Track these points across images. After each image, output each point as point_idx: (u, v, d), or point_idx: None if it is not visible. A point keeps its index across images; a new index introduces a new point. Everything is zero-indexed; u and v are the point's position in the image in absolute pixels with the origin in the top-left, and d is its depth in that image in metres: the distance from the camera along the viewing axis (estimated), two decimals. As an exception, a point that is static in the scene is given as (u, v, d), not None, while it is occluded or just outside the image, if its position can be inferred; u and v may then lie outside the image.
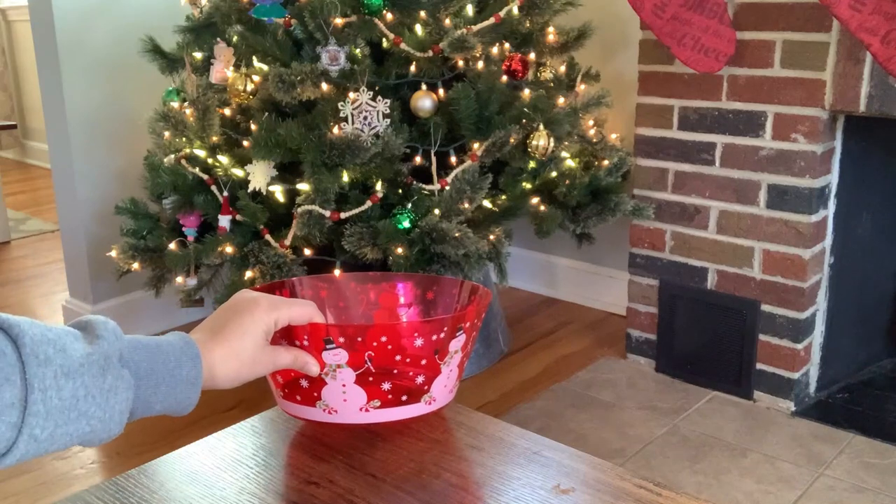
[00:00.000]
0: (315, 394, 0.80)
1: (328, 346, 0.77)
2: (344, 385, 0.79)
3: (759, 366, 2.11)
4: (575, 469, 0.79)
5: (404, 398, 0.81)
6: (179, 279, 2.07)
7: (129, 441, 2.03)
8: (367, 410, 0.80)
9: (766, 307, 2.07)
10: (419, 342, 0.78)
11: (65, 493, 1.81)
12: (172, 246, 2.02)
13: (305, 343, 0.78)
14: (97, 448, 2.00)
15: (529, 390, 2.23)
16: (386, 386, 0.80)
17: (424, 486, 0.76)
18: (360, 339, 0.77)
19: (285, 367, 0.78)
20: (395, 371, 0.79)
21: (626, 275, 2.36)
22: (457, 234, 1.80)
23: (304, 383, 0.80)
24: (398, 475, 0.78)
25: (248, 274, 1.92)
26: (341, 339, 0.77)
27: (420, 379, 0.81)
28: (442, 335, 0.80)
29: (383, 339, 0.77)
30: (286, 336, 0.79)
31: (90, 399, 0.58)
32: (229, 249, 1.94)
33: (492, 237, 1.94)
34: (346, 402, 0.80)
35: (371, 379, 0.79)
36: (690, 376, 2.24)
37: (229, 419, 1.97)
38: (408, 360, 0.79)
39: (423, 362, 0.80)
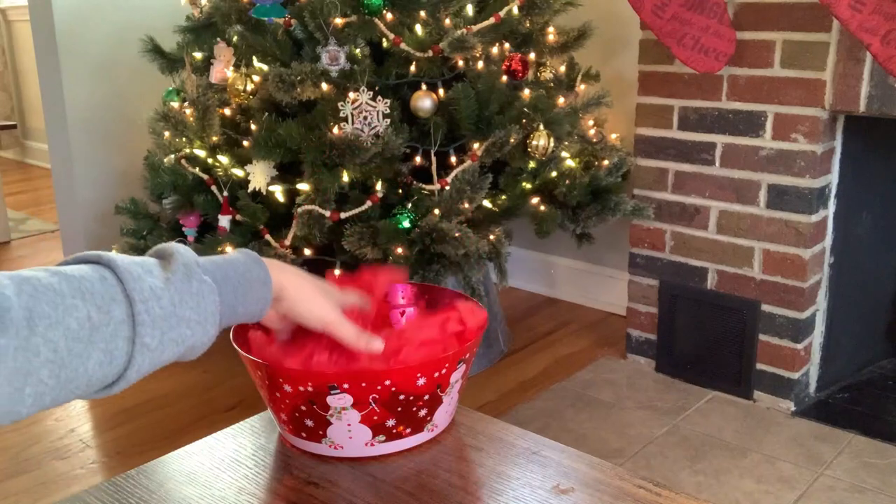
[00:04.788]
0: (320, 431, 0.80)
1: (332, 392, 0.77)
2: (349, 424, 0.79)
3: (759, 366, 2.11)
4: (574, 469, 0.79)
5: (408, 430, 0.81)
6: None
7: (129, 441, 2.03)
8: (372, 444, 0.81)
9: (766, 307, 2.07)
10: (422, 381, 0.79)
11: (65, 493, 1.81)
12: (172, 246, 2.02)
13: (310, 388, 0.78)
14: (97, 448, 2.00)
15: (529, 390, 2.23)
16: (390, 423, 0.80)
17: (424, 486, 0.76)
18: (364, 384, 0.77)
19: (350, 334, 0.79)
20: (399, 409, 0.79)
21: (626, 275, 2.35)
22: (457, 234, 1.80)
23: (309, 423, 0.80)
24: (398, 475, 0.78)
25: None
26: (345, 385, 0.77)
27: (423, 412, 0.81)
28: (444, 371, 0.80)
29: (387, 382, 0.77)
30: (292, 379, 0.78)
31: (184, 304, 0.64)
32: (229, 249, 1.94)
33: (492, 237, 1.94)
34: (352, 438, 0.80)
35: (376, 418, 0.79)
36: (690, 376, 2.24)
37: (229, 419, 1.96)
38: (412, 397, 0.79)
39: (426, 397, 0.80)
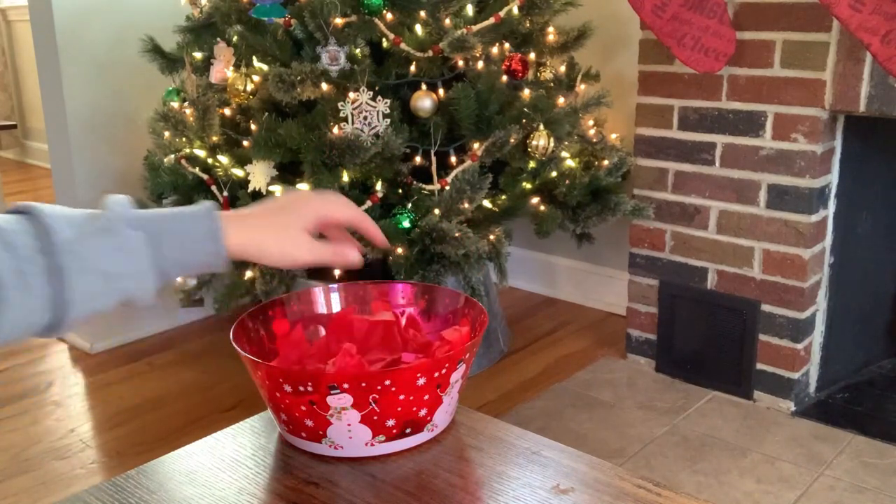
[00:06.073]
0: (320, 431, 0.80)
1: (332, 392, 0.77)
2: (349, 424, 0.79)
3: (759, 366, 2.11)
4: (574, 469, 0.79)
5: (408, 430, 0.81)
6: (179, 279, 2.07)
7: (129, 441, 2.03)
8: (372, 444, 0.81)
9: (766, 307, 2.07)
10: (422, 381, 0.79)
11: (65, 493, 1.81)
12: (172, 246, 2.01)
13: (310, 388, 0.78)
14: (97, 448, 2.00)
15: (529, 390, 2.23)
16: (390, 423, 0.80)
17: (424, 486, 0.76)
18: (364, 384, 0.77)
19: (325, 258, 0.79)
20: (399, 409, 0.79)
21: (626, 275, 2.35)
22: (457, 234, 1.80)
23: (309, 423, 0.80)
24: (398, 475, 0.78)
25: (248, 274, 1.91)
26: (345, 385, 0.77)
27: (423, 412, 0.81)
28: (444, 371, 0.80)
29: (387, 382, 0.77)
30: (292, 379, 0.78)
31: (103, 258, 0.66)
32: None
33: (492, 237, 1.94)
34: (352, 438, 0.80)
35: (376, 418, 0.79)
36: (690, 376, 2.24)
37: (229, 419, 1.96)
38: (411, 397, 0.79)
39: (426, 397, 0.80)
